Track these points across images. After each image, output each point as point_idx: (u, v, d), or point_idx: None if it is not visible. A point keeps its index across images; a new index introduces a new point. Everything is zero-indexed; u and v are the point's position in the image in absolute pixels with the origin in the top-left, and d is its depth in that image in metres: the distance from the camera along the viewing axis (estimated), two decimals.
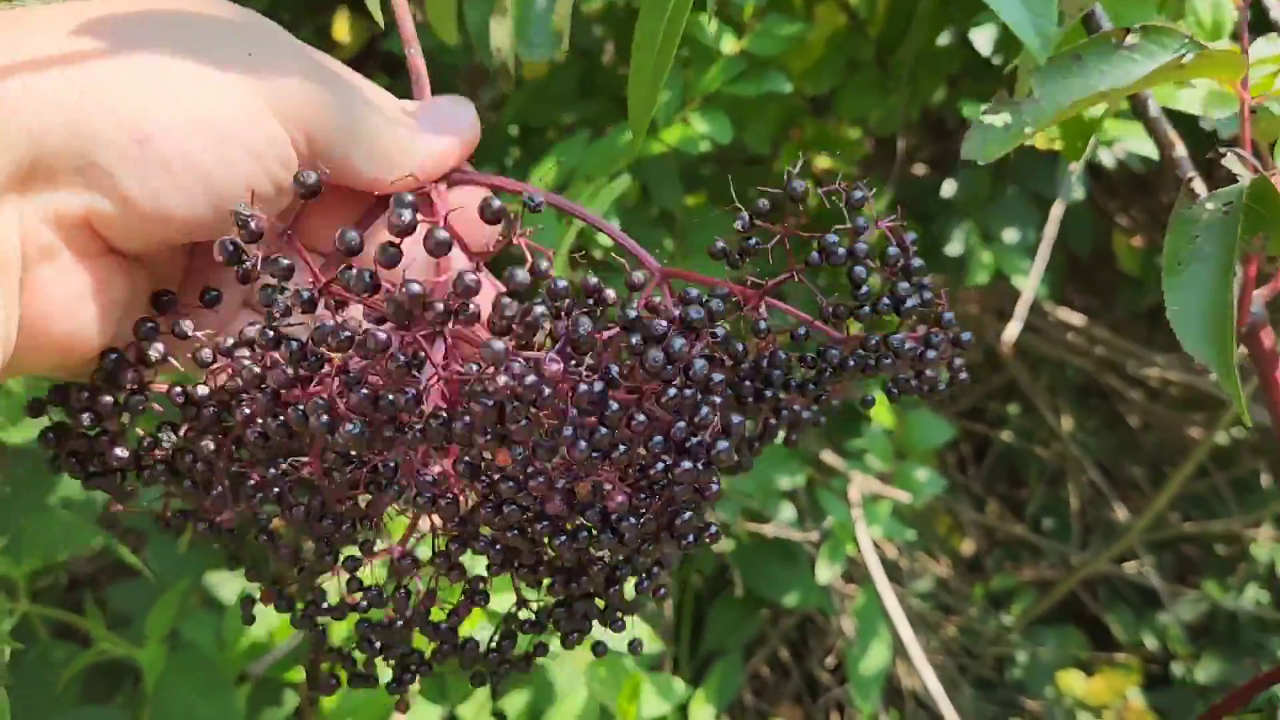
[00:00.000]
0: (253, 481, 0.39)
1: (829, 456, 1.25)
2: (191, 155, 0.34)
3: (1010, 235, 1.23)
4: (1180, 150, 0.48)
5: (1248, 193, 0.42)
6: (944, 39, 1.04)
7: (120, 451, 0.40)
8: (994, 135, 0.44)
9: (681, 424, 0.37)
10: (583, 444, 0.36)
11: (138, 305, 0.39)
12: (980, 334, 1.58)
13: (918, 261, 0.44)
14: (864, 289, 0.43)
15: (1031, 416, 1.73)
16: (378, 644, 0.45)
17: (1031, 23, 0.35)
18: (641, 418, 0.37)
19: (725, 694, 1.17)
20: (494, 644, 0.46)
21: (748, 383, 0.44)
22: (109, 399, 0.39)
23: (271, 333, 0.36)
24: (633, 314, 0.38)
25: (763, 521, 1.23)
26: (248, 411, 0.36)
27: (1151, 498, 1.37)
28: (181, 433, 0.39)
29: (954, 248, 1.25)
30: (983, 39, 0.96)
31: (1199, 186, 0.45)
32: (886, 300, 0.44)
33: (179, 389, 0.39)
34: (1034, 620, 1.58)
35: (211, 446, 0.38)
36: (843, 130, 1.11)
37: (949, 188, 1.27)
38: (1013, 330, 1.15)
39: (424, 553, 0.44)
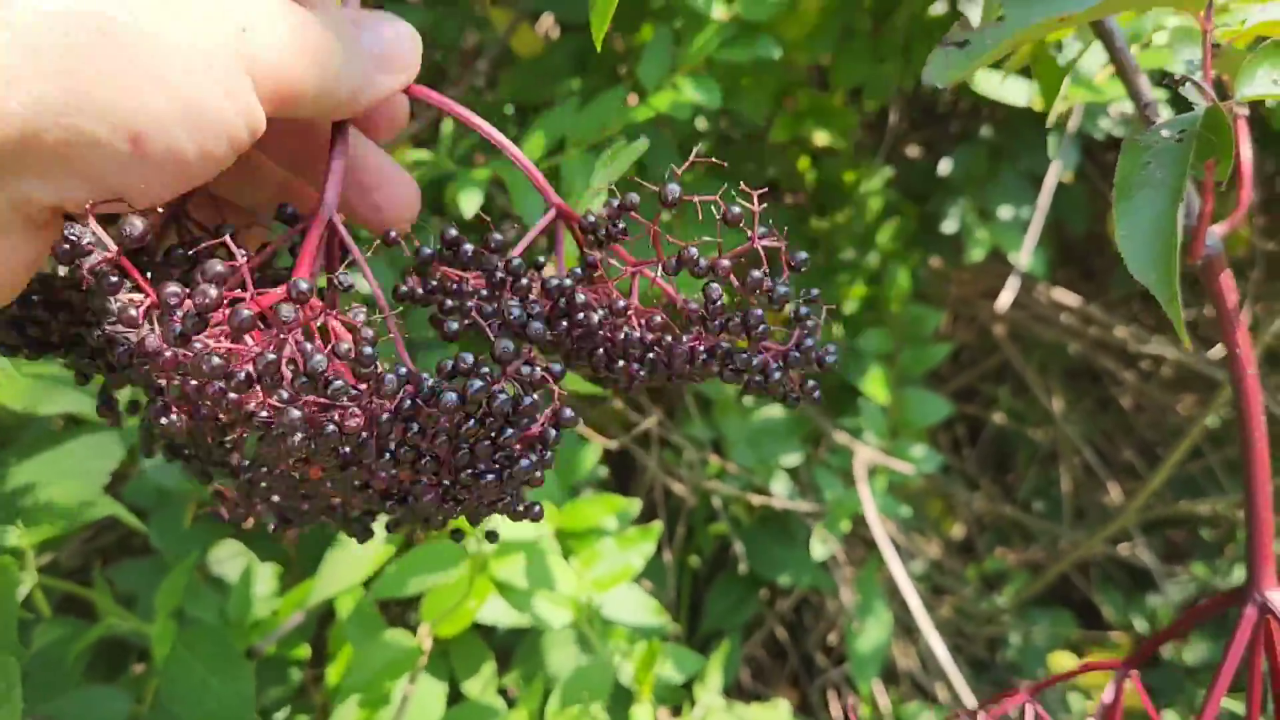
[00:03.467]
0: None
1: (831, 431, 1.26)
2: (176, 147, 0.34)
3: (1006, 212, 1.25)
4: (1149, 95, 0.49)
5: (1202, 120, 0.43)
6: (938, 7, 1.04)
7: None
8: (954, 58, 0.46)
9: (485, 443, 0.41)
10: (387, 457, 0.40)
11: None
12: (974, 316, 1.59)
13: (784, 288, 0.44)
14: (717, 302, 0.44)
15: (1024, 398, 1.74)
16: (264, 494, 0.50)
17: None
18: (443, 438, 0.41)
19: (725, 675, 1.17)
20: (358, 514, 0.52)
21: (601, 351, 0.46)
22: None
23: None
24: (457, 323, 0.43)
25: (766, 495, 1.23)
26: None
27: (1144, 479, 1.38)
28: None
29: (950, 225, 1.27)
30: (974, 10, 0.96)
31: (1155, 115, 0.46)
32: (736, 319, 0.44)
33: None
34: (1026, 602, 1.59)
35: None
36: (838, 101, 1.12)
37: (945, 166, 1.29)
38: (1005, 298, 1.16)
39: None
